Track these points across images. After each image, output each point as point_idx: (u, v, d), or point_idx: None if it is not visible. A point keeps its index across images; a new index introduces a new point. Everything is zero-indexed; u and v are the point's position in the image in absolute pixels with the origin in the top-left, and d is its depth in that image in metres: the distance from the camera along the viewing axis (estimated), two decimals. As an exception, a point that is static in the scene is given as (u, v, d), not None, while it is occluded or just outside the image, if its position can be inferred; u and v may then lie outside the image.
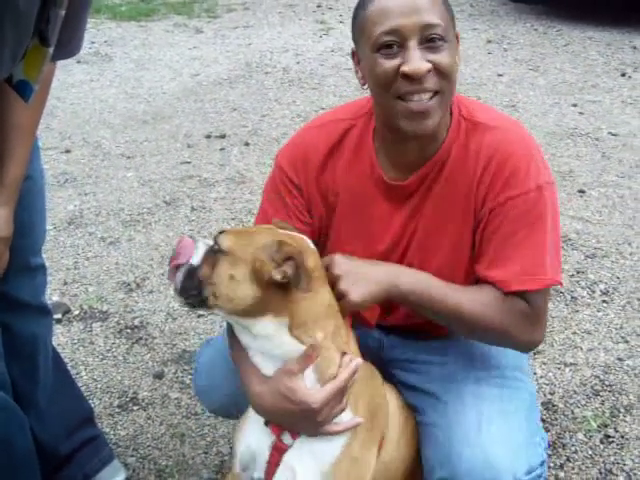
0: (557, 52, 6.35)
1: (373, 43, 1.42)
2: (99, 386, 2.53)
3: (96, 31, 7.05)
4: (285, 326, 1.35)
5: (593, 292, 3.00)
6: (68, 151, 4.50)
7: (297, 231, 1.51)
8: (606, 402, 2.40)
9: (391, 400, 1.57)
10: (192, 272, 1.35)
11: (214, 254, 1.35)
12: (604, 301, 2.94)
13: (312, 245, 1.45)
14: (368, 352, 1.69)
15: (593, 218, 3.59)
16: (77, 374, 2.56)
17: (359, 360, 1.41)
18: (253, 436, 1.49)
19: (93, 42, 6.69)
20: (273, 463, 1.43)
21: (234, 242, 1.35)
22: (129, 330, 2.82)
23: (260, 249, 1.32)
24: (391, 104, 1.44)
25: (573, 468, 2.16)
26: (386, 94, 1.44)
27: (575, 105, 5.12)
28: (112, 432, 2.33)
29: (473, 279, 1.56)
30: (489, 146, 1.50)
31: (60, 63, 1.59)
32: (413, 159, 1.53)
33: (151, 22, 7.60)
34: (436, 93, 1.42)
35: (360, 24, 1.46)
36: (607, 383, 2.49)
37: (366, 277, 1.45)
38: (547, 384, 2.49)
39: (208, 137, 4.70)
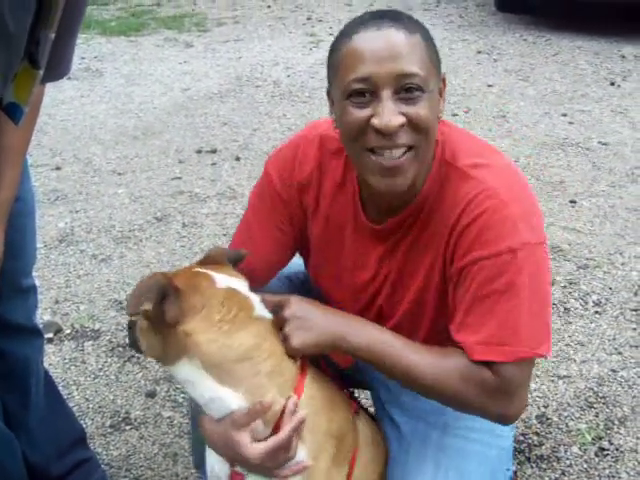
0: (546, 62, 6.38)
1: (344, 89, 1.32)
2: (91, 406, 2.51)
3: (86, 46, 7.04)
4: (202, 368, 1.32)
5: (586, 303, 3.00)
6: (59, 168, 4.49)
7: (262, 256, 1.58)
8: (600, 414, 2.40)
9: (363, 430, 1.55)
10: None
11: None
12: (597, 312, 2.94)
13: (223, 284, 1.37)
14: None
15: (585, 228, 3.60)
16: (69, 394, 2.54)
17: (301, 414, 1.34)
18: (214, 461, 1.46)
19: (83, 58, 6.68)
20: None
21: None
22: (121, 348, 2.80)
23: (153, 290, 1.30)
24: (360, 156, 1.36)
25: (568, 482, 2.16)
26: (355, 145, 1.35)
27: (565, 115, 5.14)
28: (105, 452, 2.31)
29: (439, 330, 1.49)
30: (463, 198, 1.37)
31: (50, 80, 1.59)
32: (390, 205, 1.46)
33: (141, 37, 7.60)
34: (410, 148, 1.32)
35: (334, 66, 1.37)
36: (601, 395, 2.48)
37: (312, 325, 1.38)
38: (541, 397, 2.49)
39: (199, 152, 4.69)
